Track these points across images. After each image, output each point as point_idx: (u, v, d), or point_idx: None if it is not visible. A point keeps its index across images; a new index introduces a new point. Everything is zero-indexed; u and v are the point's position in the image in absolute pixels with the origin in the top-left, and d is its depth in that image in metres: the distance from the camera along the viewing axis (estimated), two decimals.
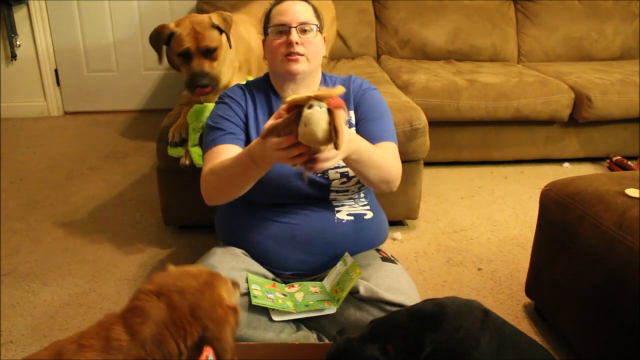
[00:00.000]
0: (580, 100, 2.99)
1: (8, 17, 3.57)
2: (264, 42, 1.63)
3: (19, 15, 3.67)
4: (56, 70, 3.90)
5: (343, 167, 1.56)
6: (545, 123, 3.06)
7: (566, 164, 3.17)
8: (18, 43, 3.69)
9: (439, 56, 3.50)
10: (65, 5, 3.75)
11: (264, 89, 1.66)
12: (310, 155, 1.18)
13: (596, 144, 3.16)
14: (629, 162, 2.99)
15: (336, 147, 1.13)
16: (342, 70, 2.97)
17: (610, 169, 3.08)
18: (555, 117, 3.01)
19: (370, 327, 1.21)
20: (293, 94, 1.13)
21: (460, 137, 3.03)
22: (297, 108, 1.13)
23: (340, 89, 1.13)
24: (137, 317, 0.94)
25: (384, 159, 1.47)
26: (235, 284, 1.15)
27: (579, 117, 3.02)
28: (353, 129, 1.61)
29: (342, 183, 1.58)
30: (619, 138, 3.14)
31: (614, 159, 3.07)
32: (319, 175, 1.55)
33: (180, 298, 0.97)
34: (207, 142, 1.58)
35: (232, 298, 1.07)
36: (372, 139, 1.54)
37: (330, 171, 1.56)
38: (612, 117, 3.03)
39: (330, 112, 1.11)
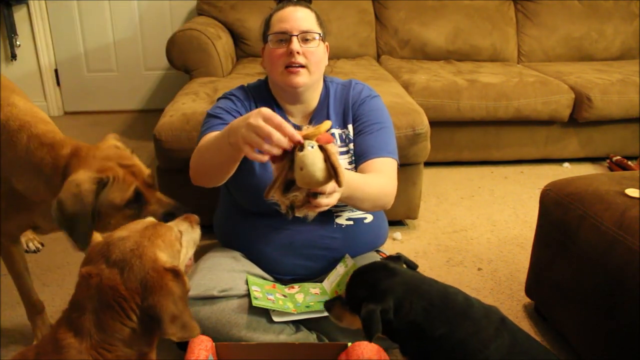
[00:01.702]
0: (580, 100, 2.99)
1: (8, 17, 3.57)
2: (262, 49, 1.56)
3: (19, 15, 3.67)
4: (56, 70, 3.90)
5: None
6: (545, 123, 3.06)
7: (566, 164, 3.17)
8: (18, 43, 3.69)
9: (439, 56, 3.50)
10: (65, 5, 3.75)
11: (266, 98, 1.60)
12: (308, 196, 1.12)
13: (596, 144, 3.16)
14: (629, 162, 2.99)
15: (338, 184, 1.08)
16: (343, 69, 2.97)
17: (610, 169, 3.08)
18: (555, 117, 3.01)
19: (410, 274, 1.22)
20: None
21: (460, 137, 3.03)
22: (287, 151, 1.07)
23: (327, 124, 1.08)
24: (75, 312, 0.95)
25: (378, 189, 1.44)
26: (192, 219, 1.14)
27: (579, 117, 3.02)
28: (351, 144, 1.58)
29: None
30: (619, 138, 3.14)
31: (614, 159, 3.07)
32: None
33: (110, 274, 0.94)
34: (203, 130, 1.53)
35: (175, 249, 1.02)
36: (369, 153, 1.51)
37: None
38: (612, 117, 3.03)
39: (322, 148, 1.06)
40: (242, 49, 3.32)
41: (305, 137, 1.06)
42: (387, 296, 1.16)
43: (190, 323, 0.97)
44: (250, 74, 2.85)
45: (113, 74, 3.96)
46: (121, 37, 3.85)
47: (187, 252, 1.11)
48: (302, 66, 1.48)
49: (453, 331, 1.15)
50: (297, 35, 1.46)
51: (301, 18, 1.48)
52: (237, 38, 3.30)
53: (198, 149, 1.45)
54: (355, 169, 1.56)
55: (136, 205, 1.28)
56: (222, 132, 1.28)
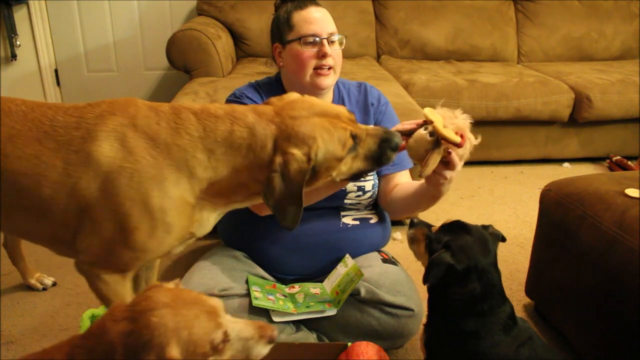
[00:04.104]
0: (580, 100, 2.99)
1: (8, 17, 3.56)
2: (274, 48, 1.56)
3: (19, 15, 3.66)
4: (56, 70, 3.89)
5: (362, 180, 1.54)
6: (545, 123, 3.06)
7: (566, 164, 3.17)
8: (18, 43, 3.69)
9: (439, 56, 3.50)
10: (65, 5, 3.75)
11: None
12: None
13: (596, 144, 3.16)
14: (629, 162, 3.00)
15: (420, 174, 1.21)
16: (343, 69, 2.96)
17: (610, 169, 3.08)
18: (555, 117, 3.01)
19: (494, 262, 1.22)
20: (430, 111, 1.21)
21: None
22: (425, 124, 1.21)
23: (457, 139, 1.18)
24: (82, 338, 0.91)
25: None
26: (266, 333, 0.93)
27: (579, 117, 3.02)
28: None
29: (357, 196, 1.57)
30: (619, 138, 3.14)
31: (614, 159, 3.07)
32: None
33: (121, 329, 0.86)
34: None
35: (199, 351, 0.86)
36: (397, 165, 1.54)
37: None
38: (612, 117, 3.03)
39: (438, 144, 1.18)
40: (242, 49, 3.32)
41: (439, 134, 1.17)
42: (465, 263, 1.16)
43: None
44: (250, 74, 2.85)
45: (113, 74, 3.95)
46: (121, 37, 3.85)
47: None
48: (330, 67, 1.51)
49: (479, 337, 1.16)
50: (326, 38, 1.49)
51: (326, 19, 1.51)
52: (237, 38, 3.30)
53: None
54: (379, 178, 1.59)
55: (354, 146, 1.18)
56: None
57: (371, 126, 1.26)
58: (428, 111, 1.21)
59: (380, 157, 1.21)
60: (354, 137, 1.17)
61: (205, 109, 1.18)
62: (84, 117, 1.17)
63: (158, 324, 0.84)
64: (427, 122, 1.21)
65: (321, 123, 1.15)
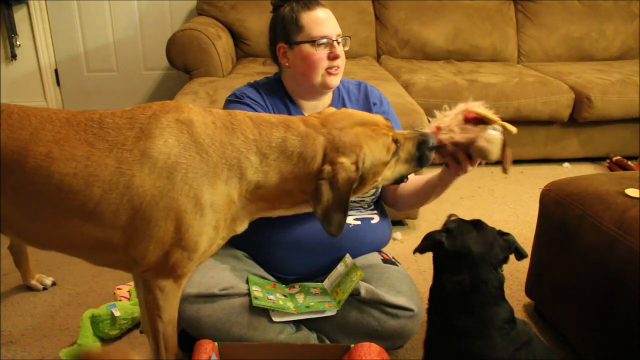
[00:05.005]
0: (580, 100, 2.99)
1: (8, 17, 3.56)
2: (278, 48, 1.55)
3: (19, 15, 3.66)
4: (56, 70, 3.90)
5: None
6: (545, 123, 3.06)
7: (566, 164, 3.17)
8: (18, 43, 3.69)
9: (439, 56, 3.50)
10: (65, 5, 3.75)
11: (278, 95, 1.60)
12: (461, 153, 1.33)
13: (596, 144, 3.16)
14: (629, 162, 3.00)
15: (505, 171, 1.30)
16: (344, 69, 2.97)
17: (610, 169, 3.08)
18: (555, 117, 3.01)
19: (495, 265, 1.24)
20: (475, 106, 1.27)
21: None
22: (475, 122, 1.28)
23: (513, 129, 1.29)
24: None
25: None
26: None
27: (579, 117, 3.02)
28: None
29: None
30: (619, 138, 3.14)
31: (614, 159, 3.07)
32: None
33: None
34: None
35: None
36: None
37: None
38: (612, 117, 3.04)
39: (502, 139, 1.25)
40: (242, 49, 3.32)
41: (504, 126, 1.27)
42: (457, 248, 1.20)
43: None
44: (250, 73, 2.85)
45: (113, 74, 3.96)
46: (121, 37, 3.85)
47: None
48: (339, 67, 1.54)
49: (471, 336, 1.17)
50: (336, 40, 1.51)
51: (332, 20, 1.53)
52: (237, 38, 3.30)
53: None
54: None
55: (396, 151, 1.26)
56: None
57: (406, 130, 1.31)
58: (477, 107, 1.30)
59: (420, 159, 1.29)
60: (395, 141, 1.24)
61: (259, 115, 1.24)
62: (136, 118, 1.18)
63: None
64: (470, 118, 1.29)
65: (364, 131, 1.21)
